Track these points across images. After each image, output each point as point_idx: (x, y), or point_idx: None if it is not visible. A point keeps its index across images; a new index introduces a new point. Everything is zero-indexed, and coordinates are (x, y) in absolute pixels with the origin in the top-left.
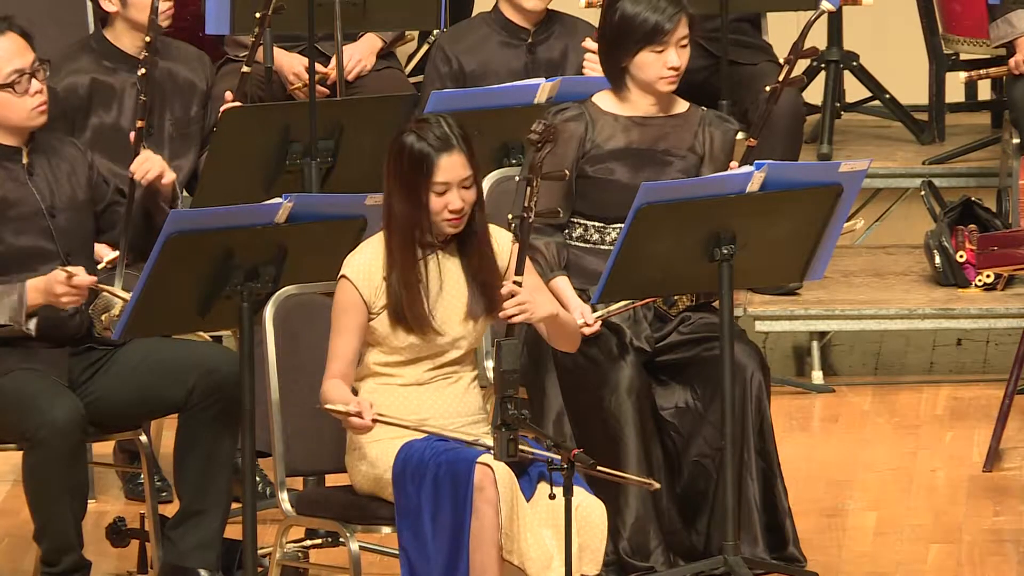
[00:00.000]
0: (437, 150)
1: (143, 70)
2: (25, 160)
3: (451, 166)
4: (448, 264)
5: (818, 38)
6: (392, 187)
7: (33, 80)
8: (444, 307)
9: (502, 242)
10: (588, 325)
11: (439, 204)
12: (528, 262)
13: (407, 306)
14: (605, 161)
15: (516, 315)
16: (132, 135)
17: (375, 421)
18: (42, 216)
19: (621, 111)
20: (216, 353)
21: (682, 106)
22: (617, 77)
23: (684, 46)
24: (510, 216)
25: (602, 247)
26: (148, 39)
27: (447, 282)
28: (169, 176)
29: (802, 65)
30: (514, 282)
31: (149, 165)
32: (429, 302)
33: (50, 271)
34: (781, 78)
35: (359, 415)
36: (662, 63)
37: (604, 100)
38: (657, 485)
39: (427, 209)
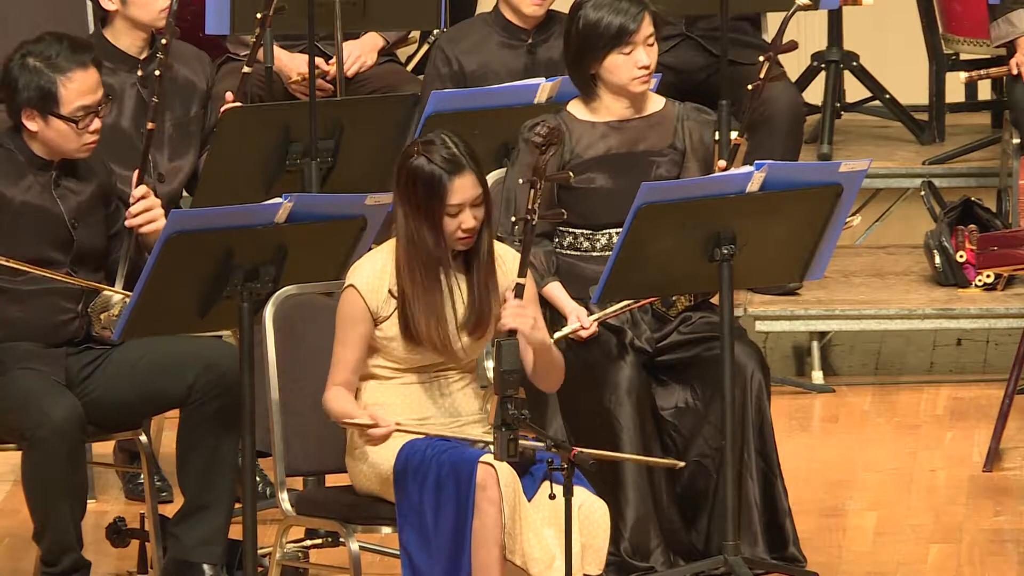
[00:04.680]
0: (449, 173)
1: (157, 71)
2: (55, 173)
3: (463, 187)
4: (454, 281)
5: (818, 38)
6: (408, 211)
7: (95, 119)
8: (450, 325)
9: (510, 262)
10: (584, 328)
11: (452, 225)
12: (529, 278)
13: (431, 330)
14: (586, 170)
15: (514, 321)
16: (140, 173)
17: (397, 429)
18: (65, 228)
19: (596, 117)
20: (216, 348)
21: (657, 103)
22: (587, 84)
23: (651, 44)
24: (513, 218)
25: (593, 253)
26: (164, 41)
27: (453, 299)
28: (158, 225)
29: (797, 61)
30: (517, 284)
31: (149, 217)
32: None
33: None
34: (762, 75)
35: (375, 426)
36: (632, 63)
37: (578, 109)
38: (682, 464)
39: (444, 230)
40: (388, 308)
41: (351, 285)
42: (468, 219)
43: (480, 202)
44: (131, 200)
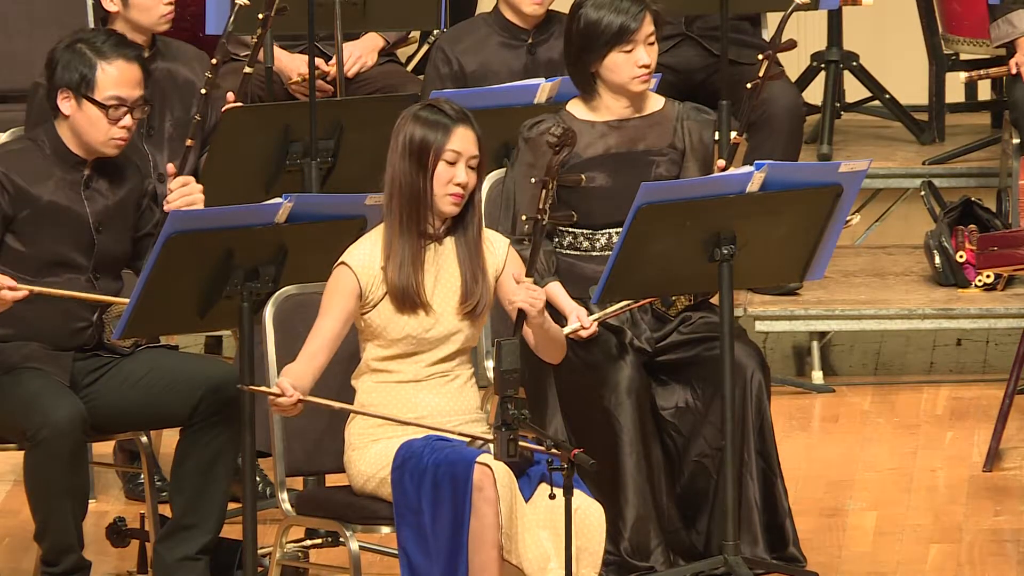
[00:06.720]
0: (454, 120)
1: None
2: (87, 172)
3: (465, 137)
4: (444, 255)
5: (818, 38)
6: (399, 160)
7: (128, 115)
8: (440, 298)
9: (498, 245)
10: (584, 328)
11: (447, 174)
12: (517, 258)
13: (410, 283)
14: (586, 169)
15: (527, 302)
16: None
17: (301, 402)
18: (88, 230)
19: (596, 117)
20: (224, 370)
21: (657, 103)
22: (587, 83)
23: (652, 43)
24: (524, 217)
25: (593, 253)
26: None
27: (442, 273)
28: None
29: (797, 61)
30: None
31: (189, 200)
32: (426, 290)
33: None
34: (761, 73)
35: (282, 395)
36: (632, 62)
37: (577, 108)
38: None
39: (433, 181)
40: (380, 289)
41: (343, 263)
42: (462, 173)
43: (476, 165)
44: (168, 190)
